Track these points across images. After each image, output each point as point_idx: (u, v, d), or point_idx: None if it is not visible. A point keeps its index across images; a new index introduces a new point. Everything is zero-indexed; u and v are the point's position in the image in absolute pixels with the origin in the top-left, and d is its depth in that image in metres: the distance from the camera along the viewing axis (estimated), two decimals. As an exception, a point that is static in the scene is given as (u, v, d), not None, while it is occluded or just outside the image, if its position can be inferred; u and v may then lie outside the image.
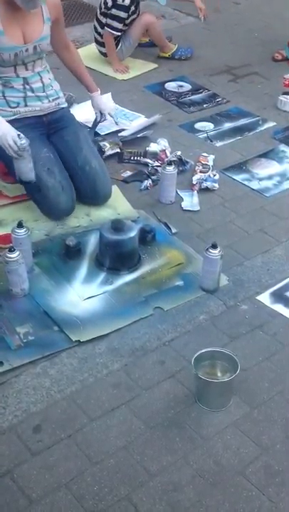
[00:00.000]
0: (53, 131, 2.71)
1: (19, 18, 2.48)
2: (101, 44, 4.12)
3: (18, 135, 2.42)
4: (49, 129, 2.71)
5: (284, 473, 1.76)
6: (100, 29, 4.05)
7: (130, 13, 3.96)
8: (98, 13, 4.02)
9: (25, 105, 2.64)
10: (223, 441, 1.85)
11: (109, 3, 3.90)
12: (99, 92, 2.98)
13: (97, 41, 4.15)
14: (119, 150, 3.16)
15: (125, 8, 3.90)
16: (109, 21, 3.95)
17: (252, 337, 2.19)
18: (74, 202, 2.66)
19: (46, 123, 2.72)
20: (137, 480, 1.73)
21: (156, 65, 4.20)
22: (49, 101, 2.71)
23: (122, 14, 3.91)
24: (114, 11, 3.91)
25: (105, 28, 3.98)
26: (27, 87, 2.61)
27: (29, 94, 2.63)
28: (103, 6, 3.95)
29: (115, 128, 3.32)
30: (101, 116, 3.03)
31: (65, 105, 2.84)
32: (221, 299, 2.33)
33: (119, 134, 3.27)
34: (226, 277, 2.41)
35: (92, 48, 4.24)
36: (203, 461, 1.79)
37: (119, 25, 3.95)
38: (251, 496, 1.71)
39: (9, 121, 2.59)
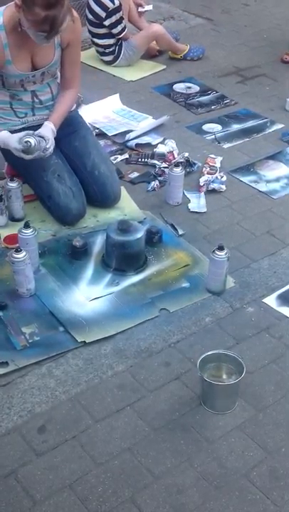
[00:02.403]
0: (62, 137, 2.71)
1: (29, 45, 2.41)
2: (103, 54, 4.12)
3: (20, 139, 2.42)
4: (57, 135, 2.69)
5: (289, 477, 1.76)
6: (100, 41, 4.05)
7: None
8: (91, 28, 4.01)
9: (33, 114, 2.64)
10: (228, 444, 1.84)
11: (103, 15, 3.90)
12: (52, 126, 2.60)
13: (100, 53, 4.14)
14: (128, 156, 3.16)
15: (118, 8, 3.92)
16: (114, 30, 3.97)
17: (258, 339, 2.19)
18: (85, 207, 2.67)
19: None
20: (141, 482, 1.73)
21: (164, 66, 4.20)
22: None
23: (119, 14, 3.93)
24: (110, 20, 3.92)
25: (117, 36, 4.01)
26: (36, 100, 2.59)
27: (37, 105, 2.62)
28: (96, 21, 3.94)
29: (123, 129, 3.32)
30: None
31: (73, 108, 2.83)
32: (227, 301, 2.33)
33: (127, 135, 3.27)
34: (232, 279, 2.40)
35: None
36: (207, 463, 1.78)
37: (123, 25, 3.98)
38: (256, 499, 1.70)
39: (17, 130, 2.59)
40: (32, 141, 2.42)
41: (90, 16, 3.97)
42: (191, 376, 2.02)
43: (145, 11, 4.32)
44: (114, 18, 3.93)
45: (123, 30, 4.00)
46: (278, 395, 1.99)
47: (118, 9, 3.92)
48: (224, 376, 1.98)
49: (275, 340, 2.18)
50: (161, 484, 1.72)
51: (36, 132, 2.49)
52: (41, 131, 2.51)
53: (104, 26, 3.96)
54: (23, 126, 2.63)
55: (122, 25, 3.98)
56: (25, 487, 1.71)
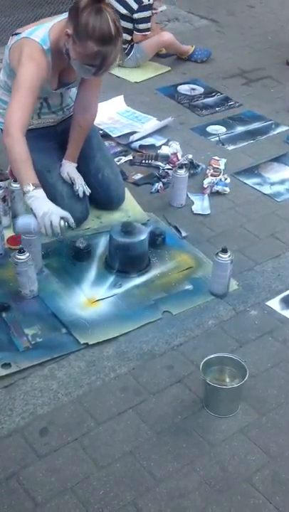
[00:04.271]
0: (66, 140, 2.71)
1: (62, 64, 2.36)
2: None
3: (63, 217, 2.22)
4: (62, 137, 2.69)
5: (291, 481, 1.75)
6: None
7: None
8: None
9: (39, 118, 2.63)
10: (231, 447, 1.83)
11: (135, 7, 3.92)
12: (75, 165, 2.64)
13: None
14: (132, 157, 3.16)
15: (149, 6, 3.98)
16: (140, 26, 3.99)
17: (261, 343, 2.18)
18: (88, 209, 2.66)
19: (59, 132, 2.71)
20: (143, 485, 1.72)
21: (169, 68, 4.20)
22: (63, 112, 2.70)
23: (148, 13, 3.98)
24: (140, 14, 3.95)
25: (135, 33, 4.02)
26: (44, 104, 2.59)
27: (45, 110, 2.61)
28: (125, 11, 3.95)
29: (127, 130, 3.32)
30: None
31: None
32: (231, 304, 2.32)
33: (131, 137, 3.27)
34: (235, 282, 2.40)
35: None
36: (210, 467, 1.78)
37: (148, 25, 4.02)
38: (258, 503, 1.69)
39: None
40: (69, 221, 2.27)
41: (120, 7, 3.94)
42: (193, 379, 2.02)
43: (160, 11, 4.33)
44: (144, 14, 3.96)
45: (147, 30, 4.02)
46: (281, 399, 1.98)
47: (150, 7, 3.98)
48: (227, 379, 1.97)
49: (278, 344, 2.18)
50: (163, 488, 1.72)
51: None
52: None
53: (131, 20, 3.97)
54: (29, 127, 2.62)
55: (148, 25, 4.02)
56: (27, 489, 1.70)
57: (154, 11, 4.23)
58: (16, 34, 2.38)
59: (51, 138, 2.69)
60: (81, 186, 2.59)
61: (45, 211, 2.17)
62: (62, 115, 2.70)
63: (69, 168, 2.62)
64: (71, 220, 2.23)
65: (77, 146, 2.64)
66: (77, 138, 2.64)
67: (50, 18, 2.40)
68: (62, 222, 2.18)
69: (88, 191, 2.61)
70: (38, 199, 2.19)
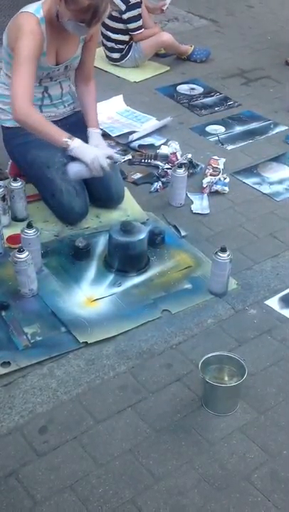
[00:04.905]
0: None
1: (58, 38, 2.46)
2: (112, 50, 4.11)
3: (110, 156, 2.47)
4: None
5: (290, 479, 1.76)
6: (113, 35, 4.04)
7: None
8: (108, 21, 3.97)
9: (41, 111, 2.64)
10: (229, 446, 1.84)
11: (123, 7, 3.91)
12: (100, 131, 2.74)
13: (108, 48, 4.13)
14: (131, 157, 3.17)
15: (138, 4, 3.96)
16: (130, 25, 3.98)
17: (260, 342, 2.18)
18: (88, 206, 2.67)
19: (61, 127, 2.71)
20: (142, 483, 1.73)
21: (168, 68, 4.20)
22: (64, 106, 2.72)
23: (136, 11, 3.96)
24: (129, 14, 3.93)
25: (130, 33, 4.02)
26: (45, 94, 2.61)
27: (46, 102, 2.64)
28: (115, 13, 3.94)
29: (126, 130, 3.32)
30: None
31: (80, 109, 2.84)
32: (230, 303, 2.33)
33: (131, 136, 3.27)
34: (234, 281, 2.40)
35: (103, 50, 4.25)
36: (208, 465, 1.78)
37: (140, 23, 4.00)
38: (256, 501, 1.70)
39: None
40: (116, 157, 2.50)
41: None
42: (192, 378, 2.02)
43: (166, 8, 4.32)
44: (132, 13, 3.94)
45: (139, 28, 4.00)
46: (280, 398, 1.99)
47: (138, 5, 3.96)
48: (226, 378, 1.97)
49: (277, 343, 2.18)
50: (162, 486, 1.72)
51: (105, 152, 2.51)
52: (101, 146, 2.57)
53: (122, 21, 3.97)
54: None
55: (139, 23, 4.00)
56: (26, 487, 1.71)
57: (163, 7, 4.23)
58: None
59: None
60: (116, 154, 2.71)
61: (91, 157, 2.41)
62: (63, 109, 2.72)
63: (96, 139, 2.66)
64: (116, 156, 2.46)
65: (95, 111, 2.76)
66: (91, 103, 2.76)
67: None
68: (108, 161, 2.41)
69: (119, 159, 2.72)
70: (80, 148, 2.42)
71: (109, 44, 4.09)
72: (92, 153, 2.44)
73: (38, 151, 2.62)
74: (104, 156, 2.42)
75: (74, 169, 2.47)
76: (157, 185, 2.95)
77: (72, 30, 2.41)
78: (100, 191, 2.71)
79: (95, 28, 2.43)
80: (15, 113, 2.39)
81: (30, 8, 2.41)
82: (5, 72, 2.58)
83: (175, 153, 3.11)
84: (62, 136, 2.43)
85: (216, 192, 2.94)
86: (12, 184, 2.58)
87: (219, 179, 2.97)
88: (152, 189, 2.94)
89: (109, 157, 2.43)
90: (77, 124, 2.73)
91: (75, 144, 2.42)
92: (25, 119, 2.40)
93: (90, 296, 2.31)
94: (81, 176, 2.49)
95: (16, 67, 2.37)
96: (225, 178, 2.99)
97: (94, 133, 2.67)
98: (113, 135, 3.28)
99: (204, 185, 2.94)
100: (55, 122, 2.68)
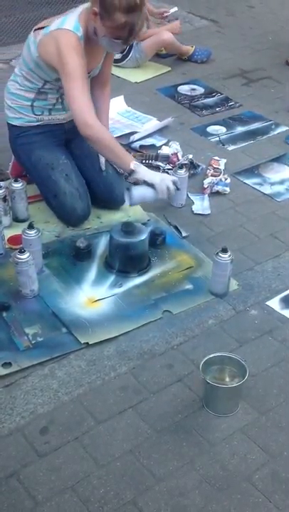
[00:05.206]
0: (73, 138, 2.72)
1: (87, 51, 2.43)
2: None
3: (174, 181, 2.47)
4: (69, 135, 2.71)
5: (291, 480, 1.76)
6: None
7: None
8: None
9: (49, 114, 2.64)
10: (231, 447, 1.84)
11: None
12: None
13: None
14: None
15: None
16: None
17: (261, 342, 2.18)
18: (90, 208, 2.67)
19: (67, 129, 2.72)
20: (143, 484, 1.73)
21: (169, 68, 4.20)
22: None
23: None
24: None
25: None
26: (59, 100, 2.61)
27: (57, 106, 2.63)
28: None
29: (127, 130, 3.32)
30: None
31: None
32: (231, 304, 2.33)
33: (132, 137, 3.27)
34: (235, 282, 2.40)
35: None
36: (209, 466, 1.78)
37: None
38: (258, 502, 1.70)
39: (33, 127, 2.63)
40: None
41: None
42: (193, 378, 2.02)
43: (170, 13, 4.32)
44: None
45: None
46: (281, 398, 1.98)
47: None
48: (227, 379, 1.97)
49: (278, 343, 2.18)
50: (163, 486, 1.72)
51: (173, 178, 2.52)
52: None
53: None
54: (38, 123, 2.65)
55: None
56: (27, 488, 1.71)
57: (165, 13, 4.23)
58: (40, 29, 2.43)
59: (58, 136, 2.70)
60: None
61: (161, 178, 2.42)
62: (71, 114, 2.71)
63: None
64: (179, 183, 2.49)
65: (107, 117, 2.82)
66: (104, 109, 2.79)
67: (69, 11, 2.47)
68: (173, 186, 2.44)
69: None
70: (148, 171, 2.43)
71: None
72: (160, 175, 2.46)
73: (43, 151, 2.63)
74: (170, 180, 2.44)
75: (139, 191, 2.44)
76: (158, 185, 2.95)
77: (106, 46, 2.42)
78: (103, 192, 2.71)
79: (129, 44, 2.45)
80: (86, 128, 2.35)
81: (68, 25, 2.35)
82: (22, 74, 2.55)
83: (176, 153, 3.12)
84: (130, 160, 2.42)
85: (217, 192, 2.94)
86: (13, 185, 2.59)
87: (220, 180, 2.97)
88: (153, 190, 2.94)
89: (174, 182, 2.45)
90: None
91: (142, 168, 2.41)
92: (98, 137, 2.38)
93: (91, 296, 2.31)
94: (144, 199, 2.48)
95: (73, 85, 2.33)
96: (226, 179, 2.99)
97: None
98: (114, 136, 3.28)
99: (205, 186, 2.94)
100: (61, 125, 2.69)
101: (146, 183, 2.40)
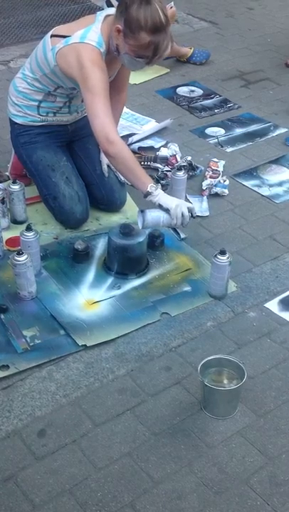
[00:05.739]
0: (76, 139, 2.72)
1: (107, 59, 2.39)
2: None
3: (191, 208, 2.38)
4: (72, 136, 2.71)
5: (289, 483, 1.75)
6: None
7: None
8: None
9: (54, 116, 2.64)
10: (229, 449, 1.83)
11: None
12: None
13: None
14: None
15: None
16: None
17: (259, 345, 2.18)
18: (88, 212, 2.67)
19: (70, 131, 2.72)
20: (140, 487, 1.72)
21: (168, 70, 4.20)
22: (78, 113, 2.71)
23: None
24: None
25: None
26: (67, 103, 2.60)
27: (64, 110, 2.63)
28: None
29: (126, 132, 3.32)
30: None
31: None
32: (229, 306, 2.32)
33: (130, 139, 3.27)
34: (234, 284, 2.40)
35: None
36: (207, 469, 1.78)
37: None
38: (256, 505, 1.69)
39: (36, 127, 2.63)
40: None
41: None
42: (191, 381, 2.02)
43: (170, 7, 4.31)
44: None
45: None
46: (279, 401, 1.98)
47: None
48: (225, 381, 1.97)
49: (276, 346, 2.18)
50: (161, 489, 1.72)
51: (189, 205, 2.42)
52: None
53: None
54: (42, 123, 2.64)
55: None
56: (25, 491, 1.70)
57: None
58: (58, 36, 2.38)
59: (61, 136, 2.70)
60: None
61: (176, 204, 2.32)
62: (75, 115, 2.72)
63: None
64: (195, 211, 2.40)
65: (118, 122, 2.75)
66: (116, 114, 2.71)
67: (88, 17, 2.43)
68: (188, 213, 2.35)
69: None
70: (165, 195, 2.35)
71: None
72: (176, 201, 2.36)
73: (45, 152, 2.63)
74: (186, 206, 2.34)
75: (152, 215, 2.36)
76: (157, 187, 2.95)
77: (127, 63, 2.37)
78: (103, 195, 2.71)
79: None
80: (110, 146, 2.29)
81: (91, 40, 2.30)
82: (34, 76, 2.52)
83: (175, 155, 3.11)
84: (150, 181, 2.34)
85: (216, 194, 2.93)
86: (11, 187, 2.58)
87: (219, 181, 2.97)
88: (152, 191, 2.93)
89: (190, 209, 2.35)
90: (84, 127, 2.72)
91: (159, 191, 2.33)
92: (120, 155, 2.32)
93: (90, 298, 2.31)
94: (158, 224, 2.40)
95: (96, 101, 2.29)
96: (224, 181, 2.99)
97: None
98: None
99: (204, 188, 2.94)
100: (65, 126, 2.69)
101: (161, 207, 2.34)
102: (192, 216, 2.38)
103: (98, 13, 2.43)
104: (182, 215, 2.32)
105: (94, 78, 2.29)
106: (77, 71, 2.32)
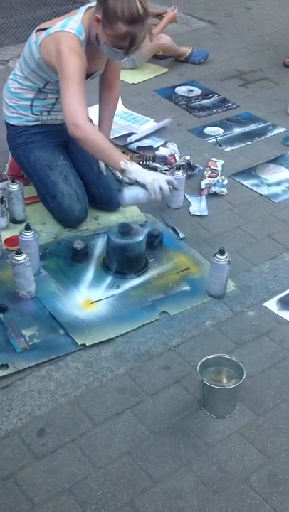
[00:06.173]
0: (73, 139, 2.72)
1: (90, 53, 2.41)
2: None
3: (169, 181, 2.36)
4: (69, 136, 2.70)
5: (288, 482, 1.75)
6: None
7: None
8: None
9: (49, 114, 2.65)
10: (228, 448, 1.84)
11: None
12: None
13: None
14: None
15: None
16: None
17: (258, 344, 2.18)
18: (87, 210, 2.67)
19: (66, 131, 2.71)
20: (140, 486, 1.72)
21: (166, 69, 4.20)
22: None
23: None
24: None
25: None
26: (59, 100, 2.60)
27: (56, 107, 2.63)
28: None
29: (125, 132, 3.32)
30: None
31: None
32: (228, 305, 2.33)
33: (129, 138, 3.27)
34: (233, 283, 2.40)
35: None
36: (207, 468, 1.78)
37: None
38: (255, 504, 1.70)
39: (31, 126, 2.63)
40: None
41: None
42: (191, 380, 2.02)
43: (172, 10, 4.31)
44: None
45: None
46: (278, 400, 1.98)
47: None
48: (224, 380, 1.97)
49: (275, 345, 2.18)
50: (161, 488, 1.72)
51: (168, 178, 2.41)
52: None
53: None
54: (37, 123, 2.65)
55: None
56: (24, 490, 1.71)
57: (163, 15, 4.22)
58: (42, 30, 2.42)
59: (57, 136, 2.70)
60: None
61: (153, 178, 2.31)
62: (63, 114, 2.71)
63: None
64: (175, 183, 2.38)
65: (109, 125, 2.81)
66: (108, 117, 2.78)
67: (71, 12, 2.46)
68: (167, 185, 2.31)
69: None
70: (139, 170, 2.32)
71: None
72: (152, 175, 2.35)
73: (42, 152, 2.63)
74: (164, 179, 2.32)
75: (130, 192, 2.36)
76: (155, 187, 2.95)
77: (106, 53, 2.39)
78: (101, 193, 2.71)
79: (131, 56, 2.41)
80: (76, 130, 2.30)
81: (71, 28, 2.34)
82: (23, 74, 2.54)
83: (173, 154, 3.12)
84: (122, 158, 2.33)
85: (215, 194, 2.94)
86: (10, 186, 2.58)
87: (217, 181, 2.97)
88: (150, 191, 2.93)
89: (169, 182, 2.33)
90: None
91: (134, 167, 2.31)
92: (87, 138, 2.32)
93: (89, 298, 2.31)
94: (137, 200, 2.39)
95: (69, 87, 2.31)
96: (223, 180, 2.99)
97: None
98: (111, 137, 3.28)
99: (202, 187, 2.94)
100: (60, 125, 2.68)
101: (138, 183, 2.32)
102: (174, 188, 2.38)
103: (82, 7, 2.45)
104: (161, 188, 2.30)
105: (69, 64, 2.31)
106: (55, 58, 2.34)
